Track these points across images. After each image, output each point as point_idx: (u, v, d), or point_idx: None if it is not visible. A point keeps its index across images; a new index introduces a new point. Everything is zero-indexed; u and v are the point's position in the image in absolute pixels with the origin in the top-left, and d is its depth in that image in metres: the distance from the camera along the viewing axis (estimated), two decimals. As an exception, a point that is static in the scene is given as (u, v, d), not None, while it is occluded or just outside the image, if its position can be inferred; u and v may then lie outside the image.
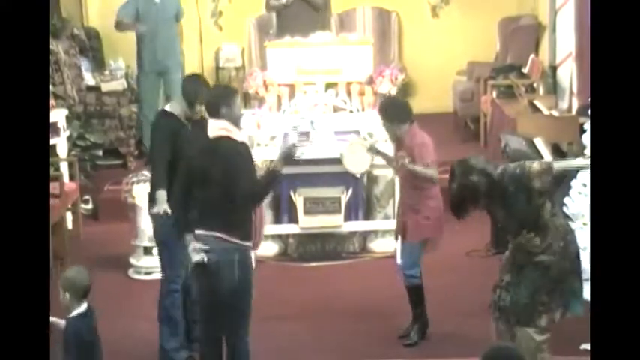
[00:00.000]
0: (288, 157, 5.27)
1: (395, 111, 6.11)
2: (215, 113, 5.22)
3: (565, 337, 5.97)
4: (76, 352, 4.68)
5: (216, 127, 5.19)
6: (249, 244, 5.20)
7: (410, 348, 6.12)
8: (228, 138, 5.15)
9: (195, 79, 6.09)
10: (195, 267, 5.15)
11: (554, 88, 9.75)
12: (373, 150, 6.50)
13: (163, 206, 5.51)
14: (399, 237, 6.26)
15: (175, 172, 5.46)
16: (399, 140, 6.11)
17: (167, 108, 5.98)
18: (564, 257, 5.04)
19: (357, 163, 6.51)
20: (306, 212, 7.66)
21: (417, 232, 6.06)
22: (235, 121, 5.24)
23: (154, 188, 5.80)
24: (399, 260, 6.30)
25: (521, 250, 5.08)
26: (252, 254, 5.76)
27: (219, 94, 5.40)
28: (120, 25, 10.07)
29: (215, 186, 5.10)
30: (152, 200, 5.81)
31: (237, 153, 5.12)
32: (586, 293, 5.45)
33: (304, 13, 9.52)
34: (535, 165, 4.97)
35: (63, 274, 4.87)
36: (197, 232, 5.13)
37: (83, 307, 4.70)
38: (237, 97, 5.37)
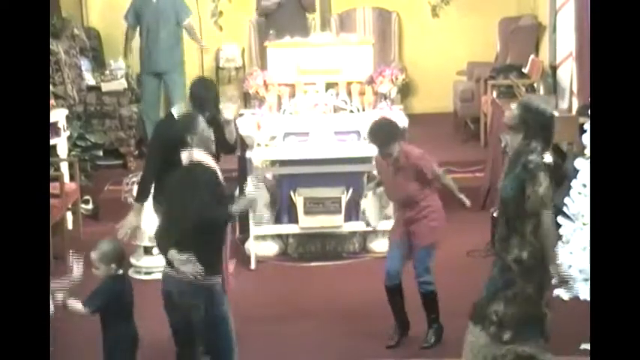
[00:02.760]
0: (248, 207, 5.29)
1: (386, 132, 6.06)
2: (185, 144, 5.08)
3: (565, 337, 5.97)
4: (114, 308, 4.96)
5: (187, 157, 5.07)
6: (215, 280, 5.03)
7: (410, 348, 6.11)
8: (200, 164, 5.04)
9: (201, 83, 6.07)
10: (164, 295, 5.05)
11: (554, 88, 9.76)
12: (377, 187, 6.46)
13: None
14: (399, 245, 6.19)
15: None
16: (393, 161, 6.05)
17: (173, 111, 5.95)
18: (530, 278, 4.94)
19: (378, 216, 6.52)
20: (306, 212, 7.65)
21: (427, 236, 6.05)
22: (206, 145, 5.09)
23: (139, 196, 6.00)
24: (388, 267, 6.22)
25: (497, 247, 5.10)
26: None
27: (182, 126, 5.21)
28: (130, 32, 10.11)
29: (181, 214, 4.94)
30: (139, 198, 5.97)
31: (202, 175, 4.99)
32: (586, 293, 5.46)
33: (294, 15, 9.55)
34: (540, 190, 4.82)
35: (100, 249, 5.06)
36: (165, 270, 5.04)
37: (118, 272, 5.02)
38: (199, 121, 5.15)
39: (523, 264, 4.91)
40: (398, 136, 6.08)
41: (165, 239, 5.02)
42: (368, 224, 6.54)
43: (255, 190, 5.30)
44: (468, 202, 6.16)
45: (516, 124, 4.97)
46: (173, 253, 4.92)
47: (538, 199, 4.79)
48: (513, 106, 5.10)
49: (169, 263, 4.96)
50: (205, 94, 5.79)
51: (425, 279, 6.09)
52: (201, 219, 4.89)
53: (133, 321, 5.10)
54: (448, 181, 6.15)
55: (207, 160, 5.09)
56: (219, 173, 5.12)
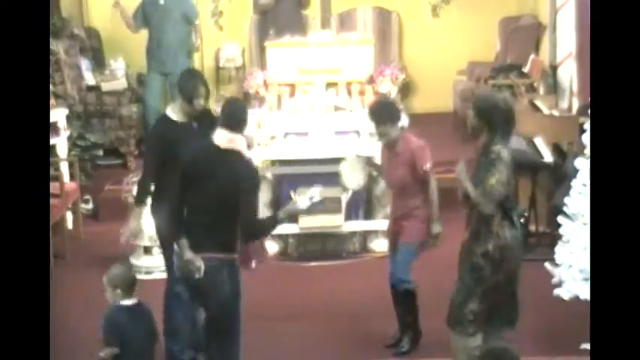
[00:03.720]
0: (293, 214, 5.30)
1: (386, 111, 6.04)
2: (236, 126, 5.05)
3: (565, 337, 5.97)
4: (110, 342, 4.80)
5: (226, 138, 5.01)
6: (236, 255, 5.09)
7: (415, 350, 6.10)
8: (239, 153, 5.01)
9: (192, 74, 6.06)
10: (184, 281, 5.10)
11: (554, 88, 9.75)
12: (370, 164, 6.46)
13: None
14: (392, 242, 6.18)
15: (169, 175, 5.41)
16: (391, 146, 6.06)
17: (167, 112, 5.93)
18: (498, 271, 5.03)
19: (354, 179, 6.51)
20: (306, 212, 7.64)
21: (414, 234, 6.00)
22: (249, 141, 5.20)
23: (138, 198, 5.96)
24: (392, 267, 6.20)
25: (465, 244, 5.16)
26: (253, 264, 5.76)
27: (244, 110, 5.24)
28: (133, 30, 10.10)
29: (211, 199, 4.96)
30: (139, 200, 5.94)
31: (248, 175, 4.98)
32: (586, 293, 5.46)
33: (290, 13, 9.54)
34: (492, 180, 4.94)
35: (109, 271, 4.99)
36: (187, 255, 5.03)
37: (129, 301, 4.89)
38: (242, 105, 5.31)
39: (489, 256, 5.02)
40: (396, 117, 6.03)
41: (177, 225, 5.08)
42: (345, 189, 6.52)
43: (308, 202, 5.27)
44: (440, 233, 5.99)
45: (479, 122, 5.09)
46: (183, 243, 5.00)
47: (488, 187, 4.92)
48: (469, 111, 5.19)
49: (193, 247, 4.99)
50: (194, 85, 5.78)
51: (402, 276, 5.98)
52: (251, 227, 5.01)
53: None
54: (432, 189, 5.99)
55: (245, 148, 5.08)
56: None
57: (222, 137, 5.04)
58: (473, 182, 5.07)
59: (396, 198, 6.17)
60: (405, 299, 6.05)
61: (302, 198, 5.23)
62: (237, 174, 4.96)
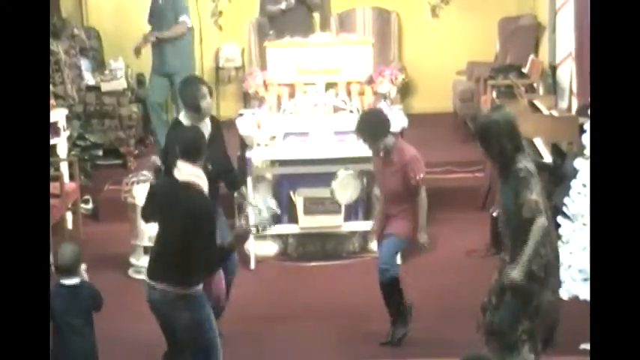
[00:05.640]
0: (243, 238, 5.22)
1: (376, 127, 6.02)
2: (194, 157, 5.02)
3: (565, 337, 5.97)
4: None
5: (184, 172, 4.99)
6: (197, 288, 5.01)
7: (410, 348, 6.10)
8: (197, 188, 4.97)
9: (189, 81, 6.08)
10: (148, 303, 5.10)
11: (554, 88, 9.76)
12: (361, 175, 6.46)
13: None
14: (380, 239, 6.20)
15: None
16: (384, 154, 6.05)
17: (180, 117, 5.95)
18: (545, 286, 4.95)
19: (346, 196, 6.52)
20: (306, 212, 7.66)
21: (400, 226, 6.04)
22: (203, 169, 5.07)
23: None
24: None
25: (504, 268, 4.99)
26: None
27: (200, 137, 5.22)
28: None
29: (168, 232, 4.99)
30: None
31: (203, 211, 4.94)
32: (586, 293, 5.46)
33: (300, 15, 9.53)
34: (532, 196, 4.82)
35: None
36: (146, 281, 5.07)
37: (68, 280, 4.95)
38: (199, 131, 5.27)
39: (535, 276, 4.89)
40: (384, 131, 6.02)
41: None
42: (339, 204, 6.49)
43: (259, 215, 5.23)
44: (426, 242, 6.02)
45: (491, 151, 4.96)
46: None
47: (531, 205, 4.79)
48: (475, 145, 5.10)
49: (151, 277, 5.03)
50: (197, 93, 5.83)
51: (386, 266, 6.00)
52: (207, 264, 4.99)
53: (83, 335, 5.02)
54: (422, 198, 6.00)
55: (201, 180, 5.00)
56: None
57: (180, 170, 5.02)
58: (500, 203, 5.01)
59: (387, 202, 6.21)
60: (390, 287, 6.06)
61: (252, 211, 5.16)
62: (193, 208, 4.92)
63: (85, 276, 5.12)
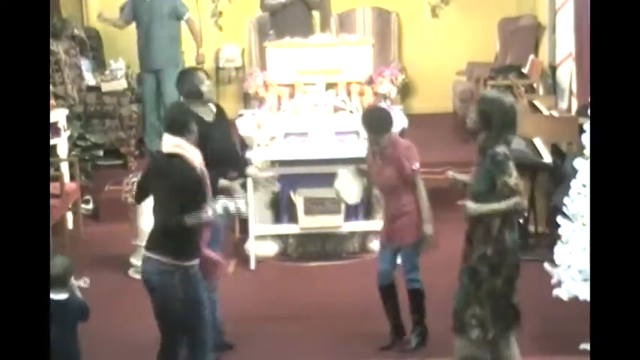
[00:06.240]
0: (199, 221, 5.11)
1: (379, 121, 6.04)
2: (179, 130, 5.04)
3: (565, 337, 5.98)
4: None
5: (170, 144, 5.05)
6: (191, 263, 5.06)
7: (414, 351, 6.10)
8: (181, 158, 5.01)
9: (187, 71, 6.10)
10: (143, 278, 5.12)
11: (553, 89, 9.76)
12: (362, 173, 6.46)
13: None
14: (388, 244, 6.17)
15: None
16: (380, 151, 6.05)
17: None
18: (497, 275, 5.03)
19: (352, 194, 6.52)
20: (306, 212, 7.66)
21: (408, 234, 6.01)
22: (194, 142, 5.08)
23: None
24: (379, 267, 6.23)
25: (464, 249, 5.15)
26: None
27: (183, 112, 5.28)
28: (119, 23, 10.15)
29: (160, 203, 5.05)
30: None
31: (185, 177, 4.98)
32: (585, 294, 5.46)
33: (299, 14, 9.53)
34: (510, 180, 4.96)
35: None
36: (144, 254, 5.12)
37: (55, 295, 4.86)
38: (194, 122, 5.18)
39: (487, 260, 5.02)
40: (389, 126, 6.04)
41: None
42: (345, 204, 6.62)
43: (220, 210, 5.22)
44: (430, 235, 5.98)
45: (481, 122, 5.12)
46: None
47: (512, 187, 4.95)
48: (472, 109, 5.23)
49: (147, 247, 5.08)
50: (195, 84, 5.86)
51: (412, 276, 6.05)
52: (165, 223, 5.01)
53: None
54: (420, 189, 5.99)
55: (185, 151, 5.04)
56: (197, 163, 5.06)
57: (165, 142, 5.08)
58: (473, 184, 5.10)
59: (387, 199, 6.19)
60: (413, 297, 6.10)
61: (218, 204, 5.14)
62: (175, 175, 4.99)
63: (78, 293, 5.11)
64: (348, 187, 6.36)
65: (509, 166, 4.98)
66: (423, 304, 6.12)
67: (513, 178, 4.97)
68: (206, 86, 5.92)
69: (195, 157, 5.06)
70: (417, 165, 5.96)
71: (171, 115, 5.32)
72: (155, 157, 5.32)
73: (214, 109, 6.04)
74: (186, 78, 5.96)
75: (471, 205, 5.06)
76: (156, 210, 5.11)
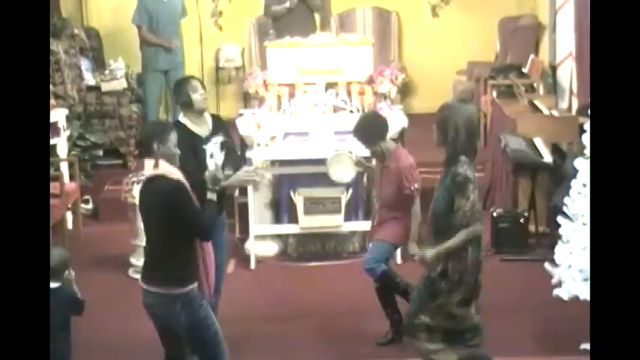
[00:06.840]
0: (216, 180, 5.09)
1: (372, 130, 6.05)
2: (148, 151, 4.90)
3: (565, 337, 5.97)
4: None
5: (149, 167, 4.92)
6: (192, 287, 4.95)
7: (409, 348, 6.08)
8: (162, 177, 4.86)
9: (184, 79, 6.01)
10: (144, 306, 5.03)
11: (554, 88, 9.76)
12: (360, 164, 6.47)
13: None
14: (371, 240, 6.23)
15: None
16: (382, 159, 6.06)
17: (180, 118, 5.87)
18: (454, 291, 4.91)
19: (339, 172, 6.52)
20: (306, 212, 7.66)
21: (389, 233, 6.05)
22: (170, 159, 4.89)
23: None
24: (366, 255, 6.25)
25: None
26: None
27: (152, 131, 5.03)
28: (145, 36, 9.97)
29: (150, 230, 4.97)
30: None
31: (173, 190, 4.82)
32: (586, 293, 5.46)
33: (302, 17, 9.53)
34: (467, 204, 4.82)
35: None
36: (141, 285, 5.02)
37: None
38: (172, 134, 4.92)
39: (447, 276, 4.90)
40: (383, 133, 6.05)
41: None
42: (339, 183, 6.73)
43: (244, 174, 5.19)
44: (416, 254, 5.78)
45: (438, 134, 5.06)
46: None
47: (466, 212, 4.81)
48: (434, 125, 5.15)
49: (145, 281, 4.98)
50: (190, 92, 5.80)
51: (371, 266, 6.03)
52: (200, 224, 4.89)
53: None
54: (416, 209, 5.98)
55: (174, 172, 4.90)
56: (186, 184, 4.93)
57: (146, 167, 4.97)
58: (435, 201, 4.99)
59: (381, 206, 6.22)
60: (378, 288, 6.11)
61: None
62: (157, 197, 4.85)
63: (75, 288, 5.09)
64: (337, 165, 6.40)
65: (468, 188, 4.82)
66: (384, 293, 6.09)
67: (470, 202, 4.81)
68: (199, 95, 5.73)
69: (177, 174, 4.90)
70: (415, 186, 5.97)
71: (142, 136, 5.13)
72: (141, 186, 5.14)
73: (209, 119, 5.85)
74: (181, 86, 5.86)
75: (426, 254, 4.91)
76: (147, 239, 5.04)
